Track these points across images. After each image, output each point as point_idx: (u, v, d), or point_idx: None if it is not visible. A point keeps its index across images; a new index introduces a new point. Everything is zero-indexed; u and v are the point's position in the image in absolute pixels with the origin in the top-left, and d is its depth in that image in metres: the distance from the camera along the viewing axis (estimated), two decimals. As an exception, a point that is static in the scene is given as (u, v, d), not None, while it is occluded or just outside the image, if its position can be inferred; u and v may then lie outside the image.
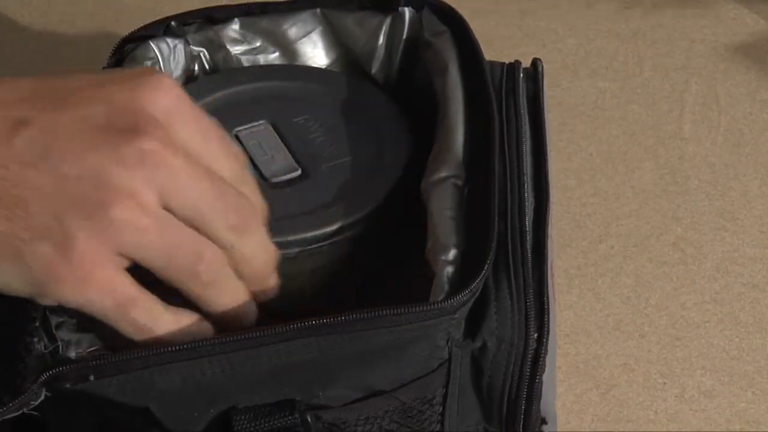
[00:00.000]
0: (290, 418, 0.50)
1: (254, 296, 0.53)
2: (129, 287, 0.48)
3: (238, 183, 0.51)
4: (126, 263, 0.48)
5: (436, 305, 0.50)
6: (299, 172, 0.60)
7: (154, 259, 0.48)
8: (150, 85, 0.49)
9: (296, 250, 0.57)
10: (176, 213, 0.48)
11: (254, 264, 0.52)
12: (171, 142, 0.48)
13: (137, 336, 0.49)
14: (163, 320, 0.49)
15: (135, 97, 0.48)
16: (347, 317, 0.50)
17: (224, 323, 0.52)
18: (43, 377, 0.48)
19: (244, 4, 0.67)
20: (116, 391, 0.49)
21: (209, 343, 0.49)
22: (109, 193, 0.46)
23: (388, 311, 0.50)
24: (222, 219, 0.49)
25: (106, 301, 0.48)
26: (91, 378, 0.48)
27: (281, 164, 0.61)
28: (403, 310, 0.50)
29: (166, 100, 0.49)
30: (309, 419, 0.51)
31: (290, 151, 0.61)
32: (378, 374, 0.51)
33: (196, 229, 0.49)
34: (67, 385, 0.48)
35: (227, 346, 0.49)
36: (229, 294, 0.51)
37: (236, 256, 0.50)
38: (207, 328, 0.51)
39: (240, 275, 0.52)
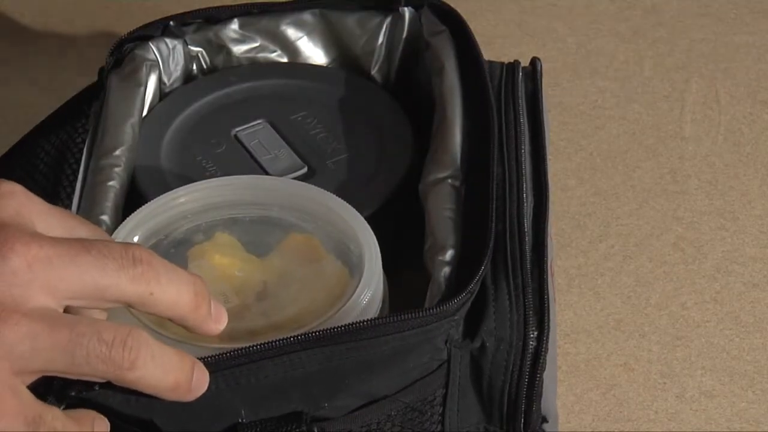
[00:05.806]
0: (297, 430, 0.50)
1: (209, 329, 0.49)
2: (34, 405, 0.46)
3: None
4: (28, 379, 0.46)
5: (436, 309, 0.50)
6: (306, 169, 0.61)
7: (56, 362, 0.45)
8: None
9: None
10: (76, 298, 0.46)
11: (185, 298, 0.47)
12: (32, 238, 0.46)
13: None
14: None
15: None
16: (350, 327, 0.49)
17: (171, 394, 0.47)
18: (51, 385, 0.48)
19: (244, 4, 0.67)
20: (121, 402, 0.49)
21: (212, 359, 0.48)
22: None
23: (390, 319, 0.50)
24: (122, 276, 0.46)
25: (18, 425, 0.45)
26: (96, 388, 0.48)
27: (287, 162, 0.61)
28: (405, 316, 0.50)
29: (12, 202, 0.47)
30: (316, 431, 0.51)
31: (293, 149, 0.61)
32: (382, 380, 0.51)
33: (104, 300, 0.46)
34: (72, 393, 0.48)
35: (230, 361, 0.49)
36: (159, 362, 0.46)
37: (164, 303, 0.47)
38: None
39: (185, 321, 0.48)
